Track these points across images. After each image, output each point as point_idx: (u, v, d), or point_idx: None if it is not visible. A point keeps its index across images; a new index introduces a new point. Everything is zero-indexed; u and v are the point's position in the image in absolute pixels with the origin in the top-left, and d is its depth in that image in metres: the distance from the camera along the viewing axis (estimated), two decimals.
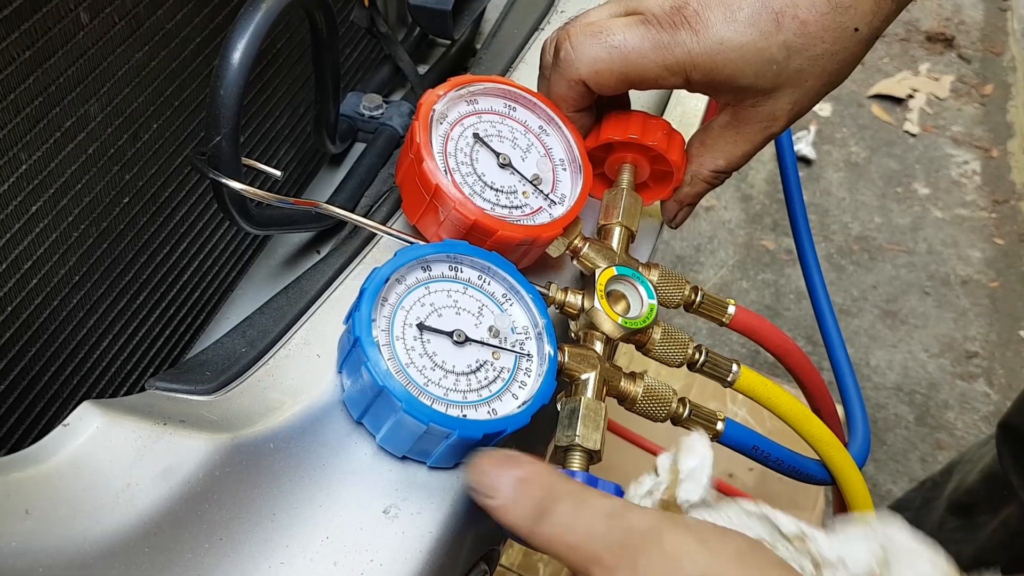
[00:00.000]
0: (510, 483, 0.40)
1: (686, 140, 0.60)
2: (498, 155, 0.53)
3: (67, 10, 0.48)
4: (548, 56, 0.55)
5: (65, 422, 0.39)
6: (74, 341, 0.54)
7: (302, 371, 0.47)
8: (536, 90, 0.57)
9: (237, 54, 0.47)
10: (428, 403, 0.43)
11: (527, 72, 0.69)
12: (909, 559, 0.43)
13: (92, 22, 0.50)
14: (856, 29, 0.51)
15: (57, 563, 0.35)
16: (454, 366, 0.45)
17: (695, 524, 0.37)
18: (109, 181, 0.54)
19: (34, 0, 0.45)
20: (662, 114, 0.74)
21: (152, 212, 0.58)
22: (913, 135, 2.61)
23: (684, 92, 0.78)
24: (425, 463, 0.45)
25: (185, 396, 0.45)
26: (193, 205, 0.62)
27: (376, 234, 0.56)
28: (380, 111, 0.71)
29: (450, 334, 0.46)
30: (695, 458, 0.44)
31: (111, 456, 0.39)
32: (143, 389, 0.47)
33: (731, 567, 0.34)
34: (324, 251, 0.64)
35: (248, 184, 0.49)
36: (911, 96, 2.72)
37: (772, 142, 0.64)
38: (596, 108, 0.58)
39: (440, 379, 0.45)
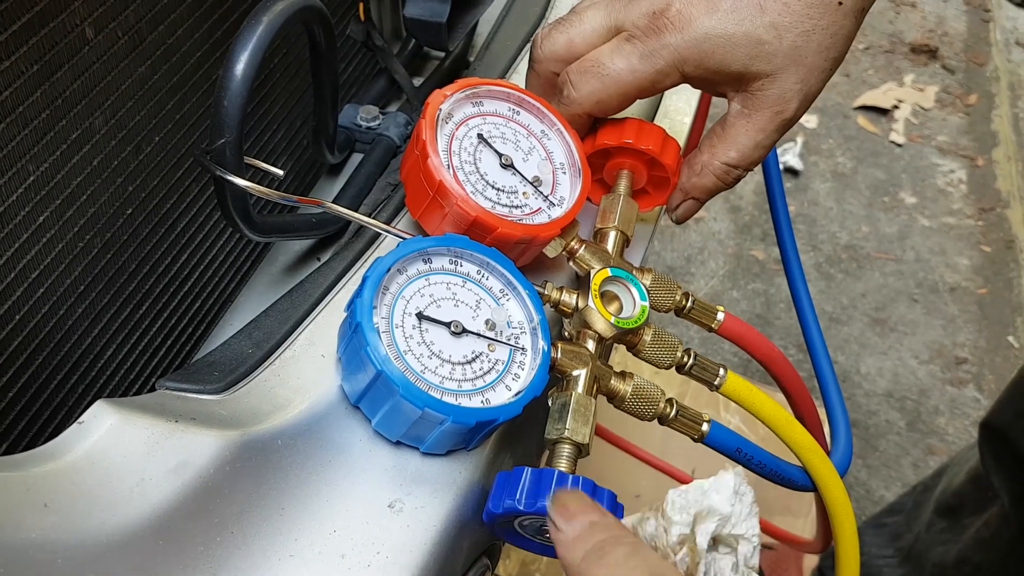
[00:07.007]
0: (583, 523, 0.41)
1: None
2: (501, 156, 0.55)
3: (73, 25, 0.49)
4: (538, 51, 0.58)
5: (80, 420, 0.40)
6: (80, 348, 0.54)
7: (307, 371, 0.48)
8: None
9: (240, 65, 0.48)
10: (424, 389, 0.44)
11: (520, 82, 0.70)
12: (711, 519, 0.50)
13: (96, 37, 0.51)
14: (840, 3, 0.53)
15: (75, 554, 0.36)
16: (450, 355, 0.46)
17: None
18: (113, 192, 0.55)
19: (41, 15, 0.46)
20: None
21: (155, 223, 0.59)
22: (899, 145, 2.63)
23: (671, 106, 0.80)
24: (419, 449, 0.46)
25: (195, 395, 0.46)
26: (195, 216, 0.63)
27: (377, 238, 0.57)
28: (377, 122, 0.72)
29: (448, 325, 0.47)
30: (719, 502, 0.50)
31: (125, 452, 0.40)
32: (152, 391, 0.48)
33: None
34: (324, 258, 0.66)
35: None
36: (896, 107, 2.74)
37: None
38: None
39: (436, 367, 0.46)
